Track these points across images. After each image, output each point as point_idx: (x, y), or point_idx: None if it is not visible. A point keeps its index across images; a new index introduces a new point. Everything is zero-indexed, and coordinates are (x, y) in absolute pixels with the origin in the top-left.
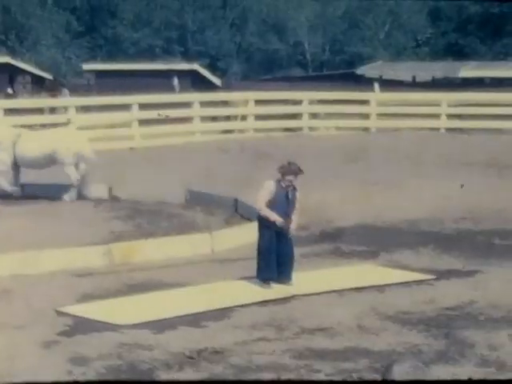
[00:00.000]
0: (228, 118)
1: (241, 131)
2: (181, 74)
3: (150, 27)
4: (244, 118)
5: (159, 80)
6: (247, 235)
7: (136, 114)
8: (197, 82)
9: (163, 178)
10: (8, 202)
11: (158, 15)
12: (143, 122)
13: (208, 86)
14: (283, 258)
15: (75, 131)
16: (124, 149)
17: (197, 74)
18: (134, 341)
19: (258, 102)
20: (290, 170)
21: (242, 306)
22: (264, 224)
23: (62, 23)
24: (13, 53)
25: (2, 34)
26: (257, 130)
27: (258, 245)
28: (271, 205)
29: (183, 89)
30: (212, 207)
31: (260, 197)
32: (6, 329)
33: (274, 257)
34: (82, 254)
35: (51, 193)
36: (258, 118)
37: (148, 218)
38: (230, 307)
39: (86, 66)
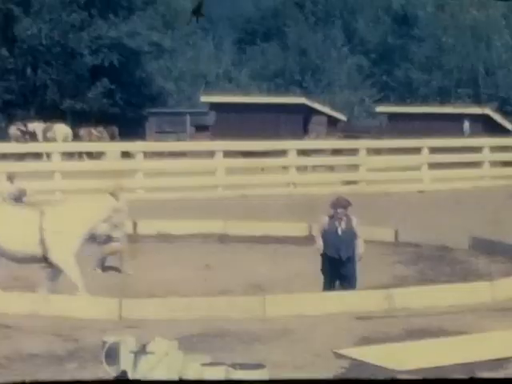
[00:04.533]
0: None
1: None
2: (471, 117)
3: (442, 70)
4: None
5: (449, 123)
6: None
7: (426, 157)
8: (488, 127)
9: (447, 222)
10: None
11: (450, 58)
12: (432, 166)
13: (500, 130)
14: (342, 282)
15: None
16: (412, 191)
17: (488, 119)
18: None
19: None
20: (339, 203)
21: None
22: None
23: (354, 65)
24: (307, 94)
25: (299, 74)
26: None
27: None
28: (324, 235)
29: (474, 133)
30: (495, 255)
31: (316, 229)
32: (286, 368)
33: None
34: (363, 297)
35: None
36: None
37: (431, 264)
38: (506, 358)
39: (379, 109)
